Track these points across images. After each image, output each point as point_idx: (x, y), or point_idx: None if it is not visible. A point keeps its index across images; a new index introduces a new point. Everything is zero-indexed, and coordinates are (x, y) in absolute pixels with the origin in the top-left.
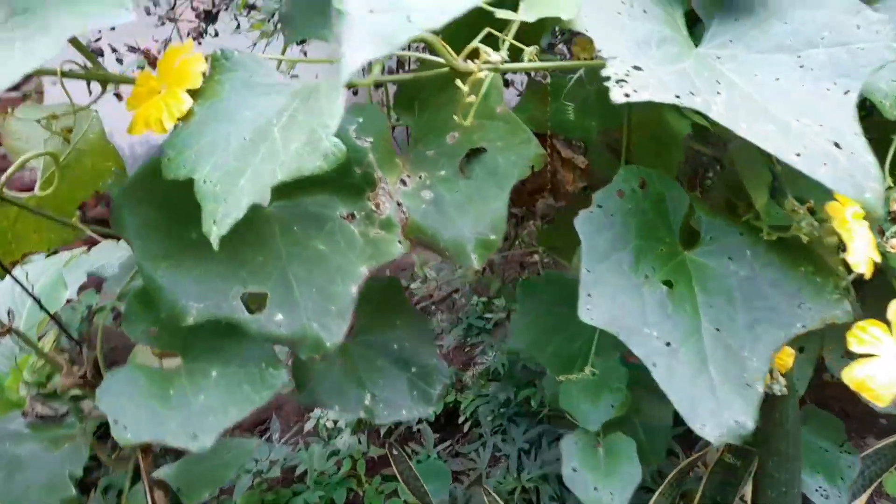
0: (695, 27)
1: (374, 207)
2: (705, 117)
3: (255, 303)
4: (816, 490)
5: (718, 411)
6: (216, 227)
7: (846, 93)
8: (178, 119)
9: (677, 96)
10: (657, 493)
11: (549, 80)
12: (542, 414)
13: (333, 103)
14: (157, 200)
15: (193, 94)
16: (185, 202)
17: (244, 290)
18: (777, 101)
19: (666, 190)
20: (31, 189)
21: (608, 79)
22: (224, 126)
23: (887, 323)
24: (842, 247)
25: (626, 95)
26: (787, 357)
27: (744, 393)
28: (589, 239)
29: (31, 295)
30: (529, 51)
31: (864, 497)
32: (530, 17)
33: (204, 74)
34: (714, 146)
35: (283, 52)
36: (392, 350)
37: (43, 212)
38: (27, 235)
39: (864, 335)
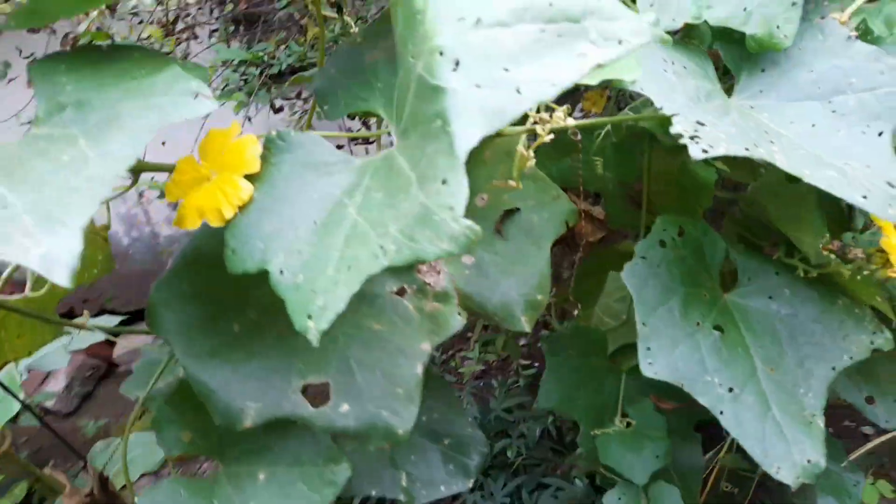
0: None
1: (425, 280)
2: (720, 163)
3: (314, 395)
4: None
5: (790, 453)
6: (313, 321)
7: (880, 134)
8: (239, 207)
9: (746, 149)
10: None
11: (579, 136)
12: (518, 464)
13: (457, 183)
14: (197, 294)
15: (250, 178)
16: (226, 294)
17: (303, 381)
18: (823, 147)
19: (702, 236)
20: (16, 290)
21: (681, 136)
22: (288, 210)
23: None
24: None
25: (704, 151)
26: None
27: (808, 431)
28: (638, 291)
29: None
30: (562, 109)
31: None
32: (594, 81)
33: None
34: (726, 189)
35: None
36: (420, 422)
37: (31, 312)
38: (10, 341)
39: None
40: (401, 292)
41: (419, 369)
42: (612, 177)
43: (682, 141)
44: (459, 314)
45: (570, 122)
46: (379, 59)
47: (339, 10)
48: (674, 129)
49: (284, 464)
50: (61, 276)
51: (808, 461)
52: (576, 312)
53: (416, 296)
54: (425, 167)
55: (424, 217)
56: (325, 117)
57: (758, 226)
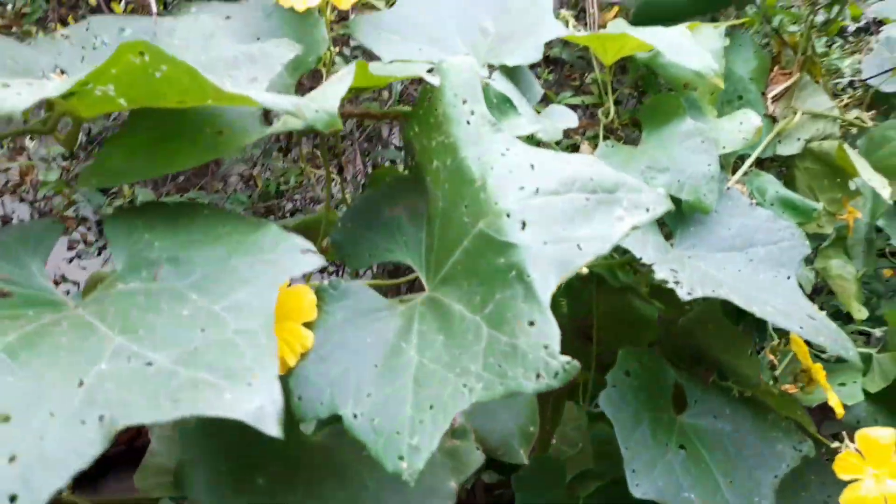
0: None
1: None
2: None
3: None
4: None
5: None
6: (407, 462)
7: (788, 278)
8: (301, 355)
9: (713, 290)
10: None
11: None
12: None
13: (546, 324)
14: (224, 450)
15: (308, 326)
16: (248, 448)
17: None
18: (752, 288)
19: (655, 366)
20: None
21: (666, 282)
22: (347, 356)
23: (859, 453)
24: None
25: (689, 294)
26: None
27: None
28: (615, 416)
29: None
30: None
31: None
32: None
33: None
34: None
35: None
36: None
37: None
38: None
39: (846, 465)
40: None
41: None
42: (565, 313)
43: (668, 286)
44: (478, 448)
45: None
46: (401, 214)
47: (340, 171)
48: (658, 276)
49: None
50: (273, 428)
51: None
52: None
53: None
54: (498, 311)
55: (512, 355)
56: (348, 266)
57: (689, 354)
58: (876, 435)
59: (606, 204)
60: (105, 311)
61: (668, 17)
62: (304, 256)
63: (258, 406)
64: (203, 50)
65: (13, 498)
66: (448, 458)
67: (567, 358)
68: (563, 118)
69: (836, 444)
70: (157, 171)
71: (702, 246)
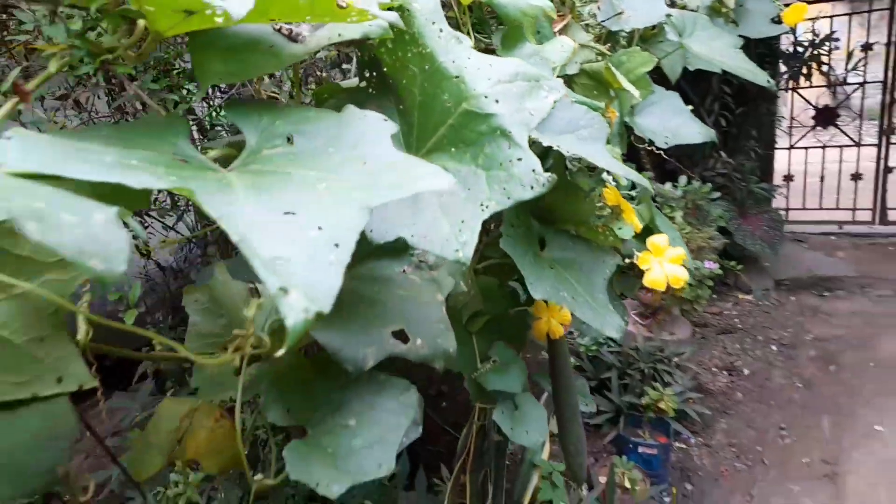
0: None
1: (419, 260)
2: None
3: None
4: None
5: (615, 321)
6: (462, 252)
7: (599, 147)
8: None
9: (567, 150)
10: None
11: None
12: None
13: (530, 157)
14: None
15: None
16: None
17: (389, 330)
18: (588, 156)
19: (526, 220)
20: None
21: (540, 142)
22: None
23: (649, 251)
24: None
25: (568, 151)
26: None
27: (611, 311)
28: (513, 252)
29: None
30: None
31: None
32: None
33: None
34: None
35: None
36: None
37: None
38: None
39: (643, 260)
40: (405, 271)
41: (443, 311)
42: None
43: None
44: (450, 276)
45: None
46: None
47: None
48: (545, 144)
49: (367, 404)
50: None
51: (620, 325)
52: None
53: (417, 271)
54: (489, 159)
55: (510, 180)
56: None
57: (544, 210)
58: (656, 238)
59: (537, 88)
60: (259, 171)
61: None
62: (385, 123)
63: (465, 250)
64: None
65: (337, 245)
66: (432, 283)
67: (549, 175)
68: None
69: (636, 256)
70: (248, 74)
71: (549, 131)
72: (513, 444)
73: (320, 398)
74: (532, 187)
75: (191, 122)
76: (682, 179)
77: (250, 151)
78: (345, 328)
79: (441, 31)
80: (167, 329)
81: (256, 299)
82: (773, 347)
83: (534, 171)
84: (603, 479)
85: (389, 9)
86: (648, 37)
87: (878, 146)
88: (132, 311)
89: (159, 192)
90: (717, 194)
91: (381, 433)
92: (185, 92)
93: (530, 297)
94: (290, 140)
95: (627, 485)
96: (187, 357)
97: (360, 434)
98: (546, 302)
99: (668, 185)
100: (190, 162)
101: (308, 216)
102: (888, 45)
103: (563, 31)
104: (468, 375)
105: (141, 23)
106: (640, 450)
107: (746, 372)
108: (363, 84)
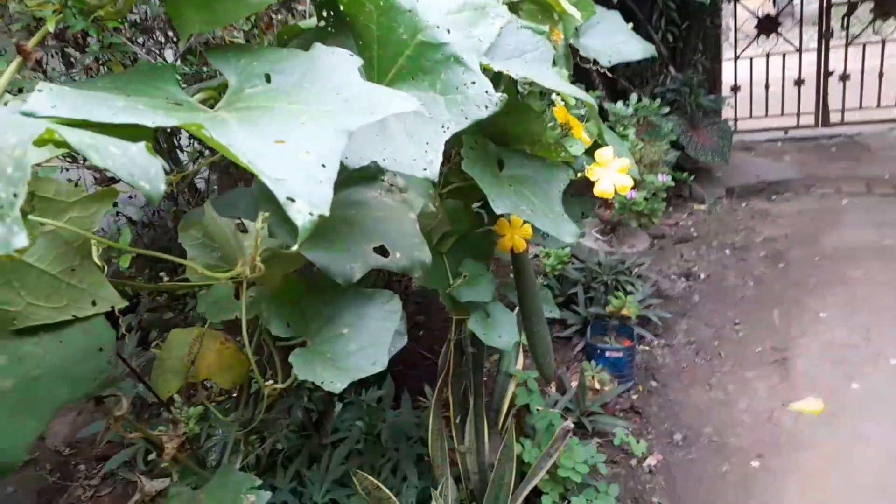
0: None
1: (389, 185)
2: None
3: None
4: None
5: (570, 227)
6: (429, 170)
7: (547, 69)
8: None
9: (517, 74)
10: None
11: None
12: None
13: (482, 80)
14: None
15: None
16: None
17: (371, 247)
18: (539, 79)
19: (483, 142)
20: None
21: (492, 70)
22: (361, 133)
23: (597, 163)
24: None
25: (517, 75)
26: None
27: (569, 220)
28: (474, 171)
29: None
30: None
31: None
32: None
33: None
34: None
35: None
36: None
37: None
38: None
39: (592, 172)
40: (380, 195)
41: (417, 227)
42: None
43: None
44: (420, 196)
45: None
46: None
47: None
48: (496, 69)
49: (356, 315)
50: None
51: (575, 231)
52: None
53: (388, 194)
54: (446, 84)
55: (466, 101)
56: None
57: (499, 132)
58: (603, 152)
59: (484, 16)
60: (245, 108)
61: None
62: (352, 57)
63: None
64: None
65: (324, 165)
66: (403, 203)
67: (501, 94)
68: None
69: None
70: (221, 21)
71: (499, 57)
72: (489, 361)
73: (313, 313)
74: (486, 107)
75: None
76: (633, 97)
77: (233, 91)
78: (332, 248)
79: None
80: (146, 280)
81: (252, 227)
82: (727, 251)
83: (487, 92)
84: (575, 384)
85: None
86: None
87: (819, 51)
88: (126, 256)
89: None
90: (667, 109)
91: (371, 337)
92: (157, 42)
93: (493, 216)
94: (268, 78)
95: (598, 386)
96: (205, 274)
97: (354, 339)
98: (508, 219)
99: (619, 104)
100: (183, 104)
101: (296, 143)
102: None
103: None
104: (443, 291)
105: None
106: (608, 354)
107: (703, 276)
108: (322, 24)
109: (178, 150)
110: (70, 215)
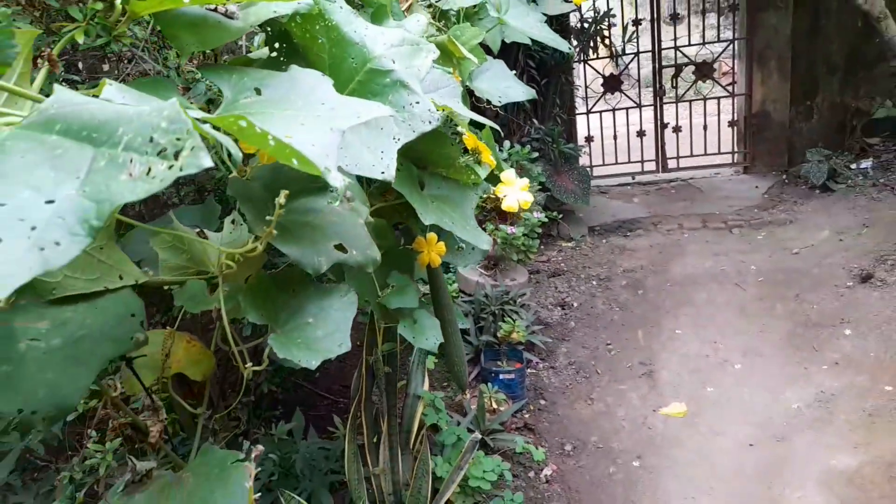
0: None
1: (337, 194)
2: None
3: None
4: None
5: (486, 237)
6: (387, 173)
7: (456, 101)
8: None
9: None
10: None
11: None
12: None
13: (424, 100)
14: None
15: None
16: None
17: (332, 245)
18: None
19: (407, 164)
20: None
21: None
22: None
23: (503, 182)
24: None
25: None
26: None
27: (483, 232)
28: (403, 190)
29: None
30: None
31: None
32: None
33: None
34: None
35: None
36: None
37: None
38: None
39: (499, 190)
40: (330, 202)
41: (366, 230)
42: None
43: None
44: (365, 204)
45: None
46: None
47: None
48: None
49: (319, 307)
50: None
51: (489, 239)
52: None
53: (342, 203)
54: (395, 102)
55: (413, 117)
56: None
57: (420, 157)
58: (507, 173)
59: (419, 51)
60: (247, 113)
61: None
62: (325, 77)
63: (384, 167)
64: None
65: (327, 155)
66: (353, 212)
67: (440, 112)
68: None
69: (493, 189)
70: (212, 44)
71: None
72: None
73: (282, 304)
74: (430, 122)
75: None
76: (507, 144)
77: (228, 102)
78: (301, 245)
79: (341, 7)
80: None
81: (212, 235)
82: (594, 282)
83: (430, 110)
84: (474, 406)
85: None
86: (471, 14)
87: (654, 106)
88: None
89: None
90: (535, 155)
91: (335, 324)
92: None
93: (409, 235)
94: (258, 91)
95: (495, 406)
96: (182, 272)
97: (319, 327)
98: (424, 237)
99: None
100: (190, 109)
101: (301, 138)
102: (652, 20)
103: (408, 10)
104: (373, 300)
105: (118, 4)
106: (502, 376)
107: (575, 304)
108: (274, 55)
109: None
110: None
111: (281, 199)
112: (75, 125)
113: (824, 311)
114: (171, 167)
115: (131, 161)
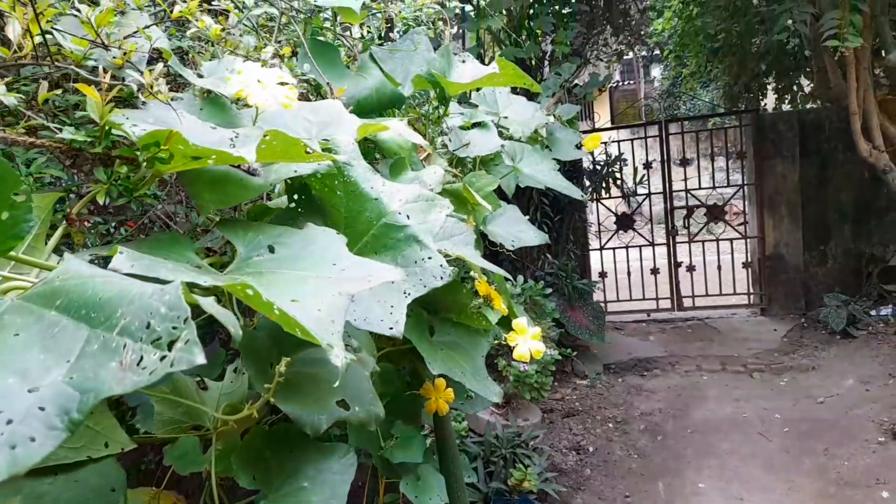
0: None
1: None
2: None
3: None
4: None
5: (496, 389)
6: (395, 328)
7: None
8: None
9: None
10: None
11: None
12: None
13: (437, 256)
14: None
15: None
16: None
17: (334, 400)
18: (466, 254)
19: (418, 311)
20: None
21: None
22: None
23: (515, 331)
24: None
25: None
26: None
27: (493, 382)
28: (412, 336)
29: None
30: None
31: None
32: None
33: None
34: None
35: None
36: None
37: None
38: None
39: (511, 338)
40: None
41: (370, 384)
42: None
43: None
44: (372, 353)
45: None
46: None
47: None
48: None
49: (316, 469)
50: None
51: (499, 391)
52: None
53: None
54: (408, 257)
55: (425, 272)
56: None
57: (432, 303)
58: (519, 321)
59: (435, 206)
60: (257, 273)
61: (373, 111)
62: (339, 235)
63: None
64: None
65: (333, 321)
66: (360, 364)
67: (452, 268)
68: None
69: (505, 337)
70: (231, 202)
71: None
72: None
73: (276, 465)
74: (441, 278)
75: None
76: (520, 279)
77: (241, 259)
78: (301, 401)
79: (359, 166)
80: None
81: (213, 385)
82: (610, 424)
83: (441, 266)
84: None
85: (326, 150)
86: (487, 161)
87: (667, 245)
88: None
89: None
90: (549, 290)
91: (331, 490)
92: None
93: (418, 381)
94: (272, 249)
95: None
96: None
97: (315, 492)
98: (433, 384)
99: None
100: (202, 268)
101: (309, 303)
102: (663, 162)
103: (426, 159)
104: (374, 452)
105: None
106: None
107: (591, 449)
108: (292, 205)
109: None
110: None
111: (281, 367)
112: (76, 302)
113: (856, 468)
114: (163, 358)
115: (124, 347)
